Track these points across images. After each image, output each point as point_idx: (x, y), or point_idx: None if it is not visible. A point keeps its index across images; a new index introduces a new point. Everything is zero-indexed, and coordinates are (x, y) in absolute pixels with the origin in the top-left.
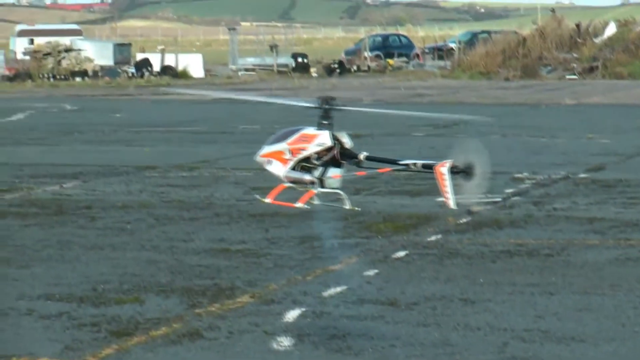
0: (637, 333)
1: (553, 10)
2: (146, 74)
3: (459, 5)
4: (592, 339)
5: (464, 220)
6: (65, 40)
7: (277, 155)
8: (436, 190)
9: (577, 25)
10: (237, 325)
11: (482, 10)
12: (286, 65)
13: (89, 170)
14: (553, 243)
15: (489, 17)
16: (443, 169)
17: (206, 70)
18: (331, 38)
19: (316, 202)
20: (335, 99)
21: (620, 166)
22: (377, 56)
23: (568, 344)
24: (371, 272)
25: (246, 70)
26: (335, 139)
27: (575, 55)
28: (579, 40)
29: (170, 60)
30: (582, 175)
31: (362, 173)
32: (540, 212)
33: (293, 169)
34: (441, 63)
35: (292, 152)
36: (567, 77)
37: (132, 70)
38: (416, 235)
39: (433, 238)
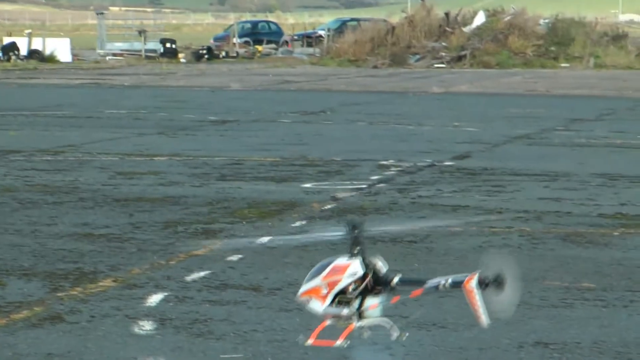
0: (497, 319)
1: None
2: (13, 58)
3: None
4: (453, 325)
5: (328, 206)
6: None
7: (315, 292)
8: (302, 177)
9: (446, 14)
10: (99, 309)
11: None
12: (154, 51)
13: None
14: (416, 230)
15: (359, 5)
16: (471, 283)
17: (74, 55)
18: (200, 24)
19: (366, 334)
20: (364, 222)
21: (486, 154)
22: (246, 42)
23: (429, 330)
24: (235, 258)
25: (114, 55)
26: (368, 265)
27: (444, 44)
28: (447, 29)
29: (37, 44)
30: (448, 163)
31: (396, 299)
32: (404, 199)
33: (331, 304)
34: (310, 50)
35: (329, 287)
36: (436, 65)
37: None
38: (281, 221)
39: (297, 224)
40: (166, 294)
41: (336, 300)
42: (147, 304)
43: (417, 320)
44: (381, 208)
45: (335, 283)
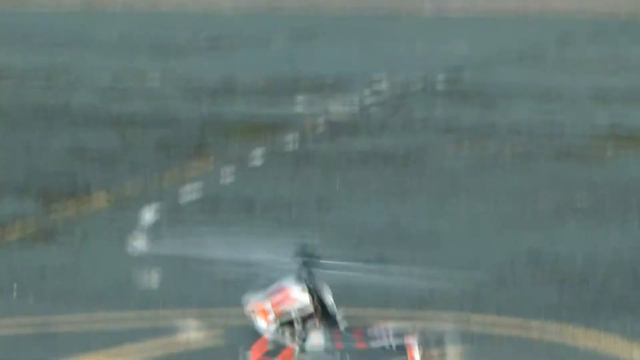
0: (490, 237)
1: None
2: None
3: None
4: (446, 242)
5: (322, 125)
6: None
7: (261, 311)
8: (294, 95)
9: None
10: (92, 227)
11: None
12: None
13: None
14: (410, 148)
15: None
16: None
17: None
18: None
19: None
20: (316, 254)
21: (478, 72)
22: None
23: (422, 248)
24: (227, 176)
25: None
26: (316, 299)
27: None
28: None
29: None
30: (440, 80)
31: (339, 346)
32: (396, 118)
33: (277, 330)
34: None
35: (275, 310)
36: None
37: None
38: (273, 140)
39: (290, 142)
40: (159, 211)
41: (281, 329)
42: (140, 222)
43: (410, 239)
44: (373, 127)
45: (281, 311)
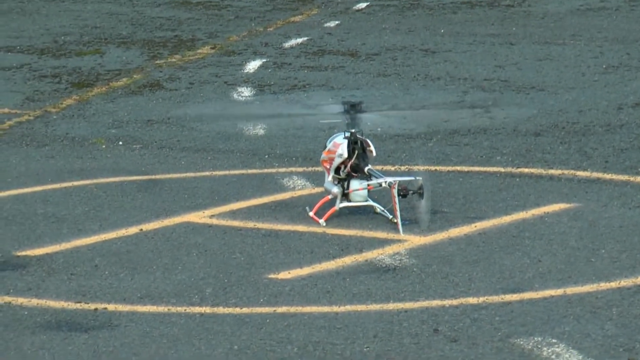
0: (596, 82)
1: None
2: None
3: None
4: (552, 88)
5: None
6: None
7: (324, 163)
8: None
9: None
10: (198, 76)
11: None
12: None
13: None
14: None
15: None
16: (393, 191)
17: None
18: None
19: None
20: (362, 103)
21: None
22: None
23: (528, 93)
24: (332, 24)
25: None
26: (357, 148)
27: None
28: None
29: None
30: None
31: (370, 187)
32: None
33: (332, 179)
34: None
35: (329, 162)
36: None
37: None
38: None
39: None
40: (264, 60)
41: (334, 177)
42: (246, 71)
43: (515, 85)
44: None
45: (332, 160)
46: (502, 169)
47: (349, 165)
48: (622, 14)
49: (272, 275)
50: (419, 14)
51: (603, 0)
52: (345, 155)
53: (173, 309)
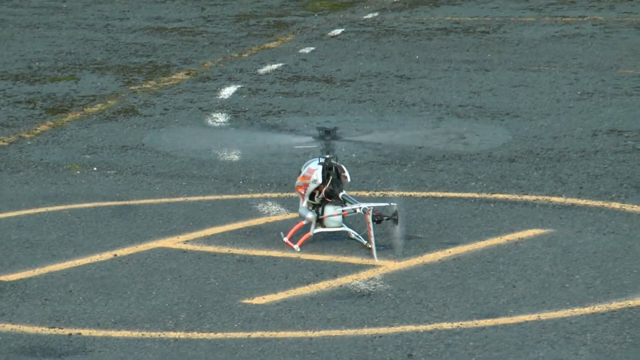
0: (571, 108)
1: None
2: None
3: None
4: (527, 114)
5: None
6: None
7: (297, 189)
8: None
9: None
10: (173, 102)
11: None
12: None
13: None
14: (489, 20)
15: None
16: (368, 217)
17: None
18: None
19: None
20: (337, 129)
21: None
22: None
23: (503, 119)
24: (307, 50)
25: None
26: (331, 174)
27: None
28: None
29: None
30: None
31: (345, 213)
32: None
33: (306, 205)
34: None
35: (304, 187)
36: None
37: None
38: (353, 13)
39: (370, 16)
40: (239, 86)
41: (309, 203)
42: (221, 97)
43: (490, 111)
44: None
45: (306, 185)
46: (476, 195)
47: (323, 191)
48: (597, 40)
49: (246, 301)
50: (394, 40)
51: (578, 27)
52: (320, 180)
53: (147, 334)
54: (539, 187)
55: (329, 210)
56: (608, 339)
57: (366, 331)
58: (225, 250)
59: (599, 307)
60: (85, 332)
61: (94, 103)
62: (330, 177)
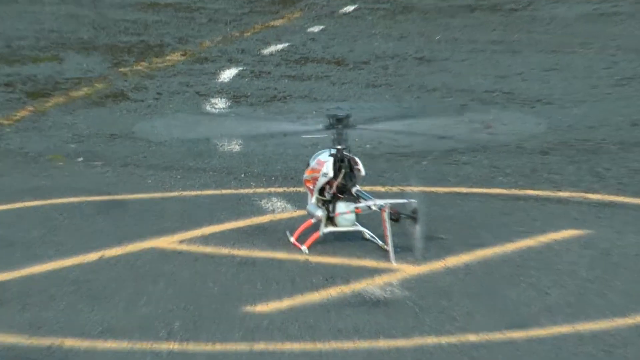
0: (609, 95)
1: None
2: None
3: None
4: (560, 101)
5: None
6: None
7: (307, 184)
8: None
9: None
10: (167, 86)
11: None
12: None
13: None
14: None
15: None
16: (384, 214)
17: None
18: None
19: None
20: (349, 117)
21: None
22: None
23: (533, 106)
24: (316, 29)
25: None
26: (343, 167)
27: None
28: None
29: None
30: None
31: (358, 210)
32: None
33: (315, 201)
34: None
35: (313, 181)
36: None
37: None
38: None
39: None
40: (240, 68)
41: (316, 199)
42: (220, 80)
43: (519, 97)
44: None
45: (315, 179)
46: (505, 191)
47: (334, 186)
48: (637, 20)
49: (248, 308)
50: (413, 18)
51: (616, 4)
52: (331, 174)
53: (137, 345)
54: (573, 183)
55: (341, 207)
56: None
57: (382, 343)
58: (224, 251)
59: None
60: (67, 342)
61: (79, 86)
62: (342, 171)
